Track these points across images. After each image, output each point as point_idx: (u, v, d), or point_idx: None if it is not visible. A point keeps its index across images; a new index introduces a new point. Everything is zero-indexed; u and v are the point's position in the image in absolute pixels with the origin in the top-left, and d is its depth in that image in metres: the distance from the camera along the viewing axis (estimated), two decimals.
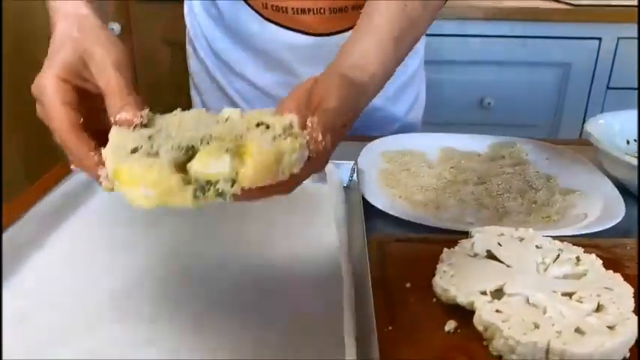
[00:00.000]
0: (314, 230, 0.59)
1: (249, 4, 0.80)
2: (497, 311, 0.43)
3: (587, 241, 0.54)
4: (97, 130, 0.41)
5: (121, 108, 0.39)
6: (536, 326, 0.41)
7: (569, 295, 0.45)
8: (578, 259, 0.49)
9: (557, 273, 0.48)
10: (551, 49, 1.46)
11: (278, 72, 0.86)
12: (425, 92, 1.00)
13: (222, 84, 0.90)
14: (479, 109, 1.53)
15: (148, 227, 0.59)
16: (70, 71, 0.42)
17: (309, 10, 0.78)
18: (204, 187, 0.34)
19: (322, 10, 0.78)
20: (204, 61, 0.90)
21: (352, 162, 0.69)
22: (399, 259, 0.54)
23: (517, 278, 0.46)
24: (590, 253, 0.50)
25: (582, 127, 1.53)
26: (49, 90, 0.40)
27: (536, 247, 0.50)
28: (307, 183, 0.43)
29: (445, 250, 0.51)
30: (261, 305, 0.48)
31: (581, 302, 0.44)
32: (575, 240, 0.53)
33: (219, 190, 0.34)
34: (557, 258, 0.49)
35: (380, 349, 0.40)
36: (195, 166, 0.35)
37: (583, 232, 0.57)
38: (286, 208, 0.62)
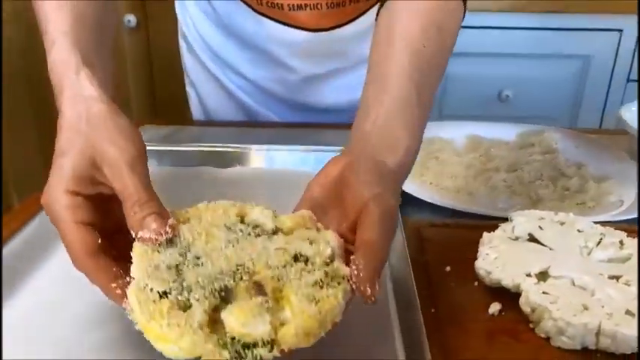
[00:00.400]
0: None
1: (243, 0, 0.77)
2: (544, 293, 0.42)
3: (627, 227, 0.53)
4: (117, 230, 0.38)
5: (142, 221, 0.36)
6: (585, 308, 0.41)
7: (616, 278, 0.44)
8: (621, 242, 0.48)
9: (602, 256, 0.47)
10: (571, 41, 1.45)
11: (273, 68, 0.83)
12: None
13: (219, 77, 0.87)
14: (497, 102, 1.52)
15: None
16: (81, 180, 0.37)
17: (305, 5, 0.74)
18: (240, 353, 0.32)
19: (319, 6, 0.74)
20: (198, 56, 0.87)
21: None
22: (436, 243, 0.54)
23: (561, 261, 0.45)
24: (634, 238, 0.49)
25: (602, 120, 1.52)
26: (60, 208, 0.36)
27: (578, 231, 0.50)
28: None
29: (485, 233, 0.50)
30: None
31: (629, 285, 0.43)
32: (615, 226, 0.52)
33: (257, 358, 0.32)
34: (599, 242, 0.48)
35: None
36: (231, 322, 0.32)
37: (623, 217, 0.56)
38: None
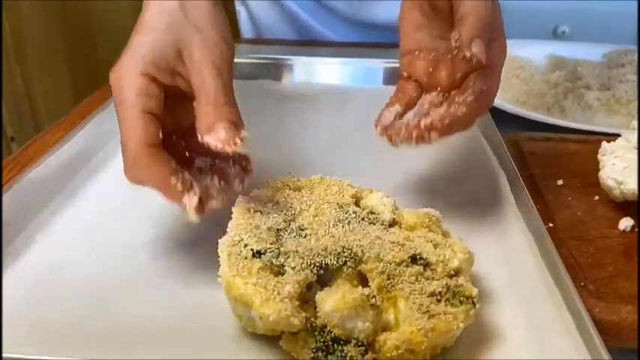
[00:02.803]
0: None
1: None
2: None
3: None
4: (179, 132, 0.33)
5: (212, 125, 0.30)
6: None
7: None
8: None
9: None
10: None
11: None
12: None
13: None
14: (552, 38, 1.41)
15: None
16: (160, 65, 0.32)
17: None
18: (328, 346, 0.26)
19: None
20: None
21: None
22: (541, 157, 0.47)
23: None
24: None
25: None
26: (131, 91, 0.31)
27: None
28: None
29: (604, 143, 0.43)
30: None
31: None
32: None
33: (347, 358, 0.25)
34: None
35: None
36: (327, 308, 0.26)
37: None
38: None
